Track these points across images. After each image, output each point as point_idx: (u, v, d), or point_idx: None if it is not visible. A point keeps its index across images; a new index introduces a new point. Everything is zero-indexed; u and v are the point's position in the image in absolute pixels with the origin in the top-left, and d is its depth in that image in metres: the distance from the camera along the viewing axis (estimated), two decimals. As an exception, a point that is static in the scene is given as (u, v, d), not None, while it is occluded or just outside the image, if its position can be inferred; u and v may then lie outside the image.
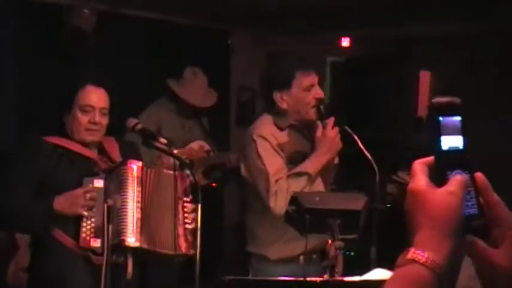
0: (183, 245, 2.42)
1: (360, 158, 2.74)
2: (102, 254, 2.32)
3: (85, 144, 2.52)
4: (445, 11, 5.37)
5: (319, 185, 2.54)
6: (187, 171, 2.51)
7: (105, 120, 2.54)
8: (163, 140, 2.44)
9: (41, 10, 4.65)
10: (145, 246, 2.36)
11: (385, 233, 2.67)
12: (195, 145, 4.38)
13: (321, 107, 2.60)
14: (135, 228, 2.34)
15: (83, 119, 2.48)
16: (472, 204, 0.88)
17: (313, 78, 2.63)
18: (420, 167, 0.92)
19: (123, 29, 5.19)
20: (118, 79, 5.07)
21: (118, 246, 2.33)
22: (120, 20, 5.16)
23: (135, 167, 2.44)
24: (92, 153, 2.53)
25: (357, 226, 1.87)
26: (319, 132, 2.55)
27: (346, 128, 2.68)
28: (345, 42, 7.37)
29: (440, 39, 6.79)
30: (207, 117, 4.62)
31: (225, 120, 6.40)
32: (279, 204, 2.49)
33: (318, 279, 1.79)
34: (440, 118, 0.91)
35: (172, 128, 4.23)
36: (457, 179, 0.88)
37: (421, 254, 0.86)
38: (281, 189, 2.46)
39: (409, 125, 7.69)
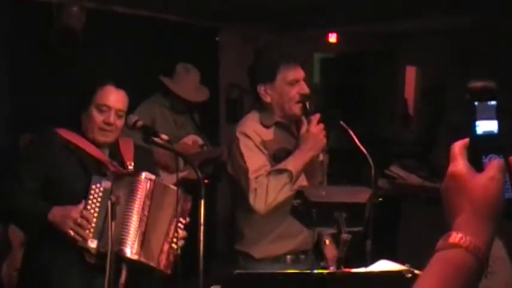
0: (162, 262, 2.42)
1: (353, 153, 2.76)
2: (96, 255, 2.31)
3: (97, 145, 2.49)
4: (432, 5, 5.41)
5: (302, 183, 2.51)
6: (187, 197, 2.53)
7: (120, 123, 2.51)
8: (164, 137, 2.44)
9: (31, 8, 4.63)
10: (142, 259, 2.36)
11: (376, 226, 2.70)
12: (188, 140, 4.39)
13: (307, 103, 2.55)
14: (137, 241, 2.33)
15: (98, 118, 2.46)
16: (508, 188, 0.89)
17: (298, 73, 2.58)
18: (459, 150, 0.93)
19: (113, 27, 5.18)
20: (107, 76, 5.08)
21: (116, 255, 2.31)
22: (109, 18, 5.14)
23: (149, 181, 2.42)
24: (101, 155, 2.49)
25: (362, 219, 1.89)
26: (303, 129, 2.52)
27: (342, 123, 2.67)
28: (332, 38, 7.41)
29: (429, 34, 6.84)
30: (198, 114, 4.62)
31: (214, 118, 6.41)
32: (258, 201, 2.48)
33: (325, 271, 1.81)
34: (476, 103, 0.92)
35: (165, 123, 4.24)
36: (495, 164, 0.89)
37: (464, 238, 0.87)
38: (260, 186, 2.45)
39: (398, 120, 7.76)
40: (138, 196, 2.37)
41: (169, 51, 5.22)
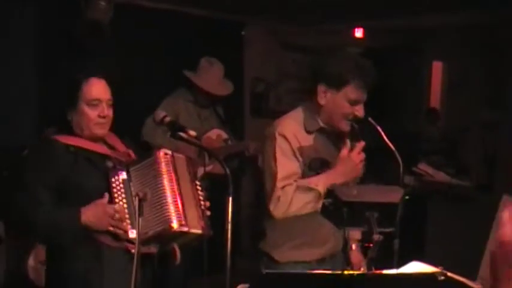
0: (204, 227, 2.41)
1: (378, 150, 2.71)
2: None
3: (94, 140, 2.46)
4: (456, 1, 5.34)
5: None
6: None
7: (111, 112, 2.47)
8: (192, 133, 2.42)
9: (59, 3, 4.65)
10: (191, 230, 2.34)
11: (403, 225, 2.66)
12: (212, 134, 4.38)
13: (357, 126, 2.50)
14: (181, 213, 2.32)
15: (92, 113, 2.40)
16: None
17: (361, 96, 2.50)
18: (509, 216, 0.90)
19: (139, 21, 5.19)
20: (134, 70, 5.10)
21: (163, 233, 2.30)
22: (136, 12, 5.15)
23: (168, 156, 2.42)
24: (105, 149, 2.48)
25: (394, 219, 1.85)
26: (344, 152, 2.45)
27: (370, 119, 2.62)
28: (358, 33, 7.35)
29: (454, 29, 6.75)
30: (222, 107, 4.59)
31: (239, 112, 6.39)
32: (278, 210, 2.46)
33: (356, 272, 1.77)
34: None
35: (189, 118, 4.23)
36: None
37: None
38: (285, 196, 2.42)
39: (424, 116, 7.67)
40: (164, 173, 2.36)
41: (195, 46, 5.21)
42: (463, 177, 5.01)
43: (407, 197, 2.96)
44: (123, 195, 2.35)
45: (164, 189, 2.34)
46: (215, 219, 2.65)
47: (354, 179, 2.46)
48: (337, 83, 2.47)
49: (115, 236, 2.33)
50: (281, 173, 2.46)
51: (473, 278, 2.01)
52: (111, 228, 2.30)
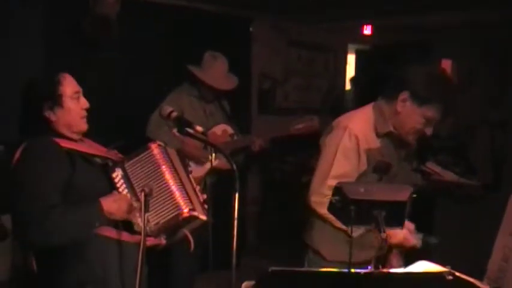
0: (205, 213, 2.43)
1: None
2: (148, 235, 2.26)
3: (76, 140, 2.40)
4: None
5: (357, 233, 2.30)
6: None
7: None
8: (199, 128, 2.42)
9: (67, -2, 4.65)
10: (198, 214, 2.34)
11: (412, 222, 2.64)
12: (218, 130, 4.35)
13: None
14: (189, 200, 2.33)
15: (77, 107, 2.36)
16: None
17: (437, 116, 2.48)
18: None
19: (146, 16, 5.18)
20: (141, 66, 5.10)
21: (175, 221, 2.30)
22: (143, 7, 5.14)
23: (160, 147, 2.42)
24: (92, 149, 2.44)
25: (402, 217, 1.83)
26: (403, 234, 2.45)
27: None
28: (367, 30, 7.32)
29: (464, 27, 6.72)
30: (227, 101, 4.57)
31: (246, 108, 6.38)
32: (319, 207, 2.45)
33: (362, 271, 1.76)
34: None
35: (194, 113, 4.20)
36: None
37: None
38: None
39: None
40: (163, 163, 2.37)
41: (202, 41, 5.19)
42: (471, 176, 4.97)
43: (415, 196, 2.93)
44: (126, 190, 2.35)
45: (167, 178, 2.34)
46: (221, 215, 2.64)
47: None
48: (422, 99, 2.44)
49: (130, 230, 2.32)
50: (335, 170, 2.43)
51: (481, 278, 2.00)
52: (130, 217, 2.30)
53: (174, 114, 2.49)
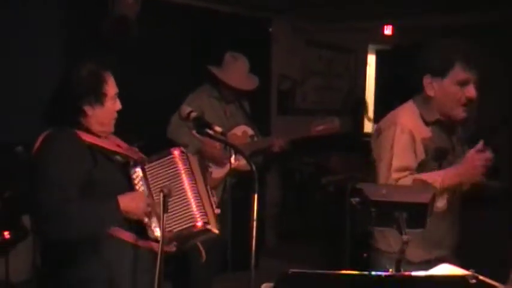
0: (218, 227, 2.41)
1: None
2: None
3: (103, 136, 2.42)
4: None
5: (441, 203, 2.34)
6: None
7: None
8: (218, 129, 2.40)
9: (87, -1, 4.68)
10: (212, 228, 2.34)
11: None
12: (238, 131, 4.34)
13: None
14: (205, 212, 2.32)
15: (113, 108, 2.38)
16: None
17: (468, 74, 2.40)
18: None
19: (166, 17, 5.19)
20: (160, 67, 5.11)
21: (187, 231, 2.30)
22: (163, 8, 5.15)
23: (184, 155, 2.40)
24: (115, 147, 2.44)
25: (424, 219, 1.80)
26: (472, 152, 2.33)
27: None
28: (388, 30, 7.27)
29: (485, 27, 6.64)
30: (247, 102, 4.55)
31: (266, 109, 6.36)
32: None
33: (383, 273, 1.73)
34: None
35: (214, 114, 4.19)
36: None
37: None
38: None
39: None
40: (183, 171, 2.35)
41: (221, 42, 5.19)
42: (492, 178, 4.89)
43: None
44: (143, 191, 2.35)
45: (185, 187, 2.33)
46: (240, 216, 2.63)
47: (470, 181, 2.37)
48: (441, 69, 2.39)
49: (140, 235, 2.31)
50: (396, 164, 2.39)
51: (504, 282, 1.96)
52: (145, 219, 2.29)
53: (193, 114, 2.48)
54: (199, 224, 2.29)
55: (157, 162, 2.39)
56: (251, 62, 4.42)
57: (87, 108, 2.31)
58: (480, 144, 2.32)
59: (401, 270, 1.76)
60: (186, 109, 2.51)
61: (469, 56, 2.40)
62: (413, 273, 1.73)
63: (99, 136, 2.38)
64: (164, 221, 2.14)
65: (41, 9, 4.49)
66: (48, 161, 2.21)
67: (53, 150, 2.23)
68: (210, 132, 2.41)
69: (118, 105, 2.41)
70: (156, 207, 2.26)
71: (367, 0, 5.61)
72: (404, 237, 1.74)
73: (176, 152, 2.39)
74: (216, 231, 2.38)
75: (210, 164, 4.17)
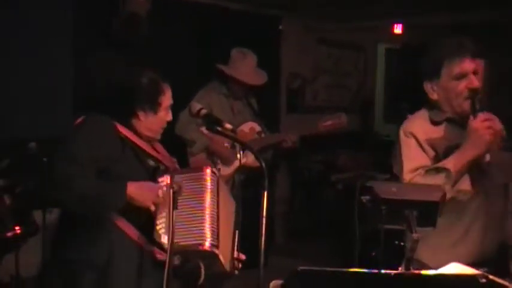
0: (232, 264, 2.40)
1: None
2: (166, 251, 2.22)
3: (147, 141, 2.48)
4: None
5: (464, 184, 2.26)
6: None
7: None
8: (228, 126, 2.40)
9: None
10: (219, 254, 2.30)
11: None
12: (245, 127, 4.34)
13: (475, 99, 2.30)
14: (217, 235, 2.29)
15: (164, 118, 2.48)
16: None
17: (465, 66, 2.34)
18: None
19: (176, 14, 5.19)
20: (171, 63, 5.11)
21: (192, 249, 2.27)
22: (174, 6, 5.15)
23: (215, 177, 2.39)
24: (152, 150, 2.49)
25: (434, 218, 1.79)
26: (471, 123, 2.27)
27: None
28: (397, 29, 7.25)
29: (495, 26, 6.61)
30: (255, 98, 4.55)
31: (275, 107, 6.36)
32: None
33: (393, 271, 1.73)
34: None
35: (222, 110, 4.20)
36: None
37: None
38: None
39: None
40: (209, 190, 2.34)
41: (231, 40, 5.20)
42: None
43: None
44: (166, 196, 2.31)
45: (206, 205, 2.31)
46: (249, 213, 2.63)
47: (488, 150, 2.27)
48: (433, 71, 2.40)
49: (147, 237, 2.32)
50: (407, 166, 2.37)
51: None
52: (152, 207, 2.28)
53: (204, 111, 2.48)
54: (206, 243, 2.26)
55: (187, 175, 2.39)
56: (261, 60, 4.43)
57: (141, 114, 2.43)
58: (472, 117, 2.27)
59: (411, 269, 1.76)
60: (196, 106, 2.52)
61: (456, 47, 2.38)
62: (423, 272, 1.73)
63: (141, 138, 2.45)
64: (173, 219, 2.14)
65: (52, 8, 4.50)
66: (76, 136, 2.32)
67: (84, 129, 2.35)
68: (220, 129, 2.41)
69: (169, 116, 2.51)
70: (166, 204, 2.26)
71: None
72: (415, 236, 1.74)
73: (208, 170, 2.40)
74: (223, 261, 2.33)
75: (218, 161, 4.18)
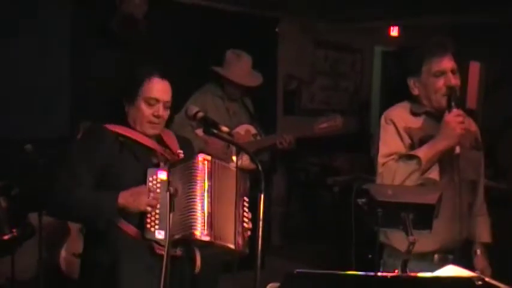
0: (239, 243, 2.36)
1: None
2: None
3: (146, 135, 2.48)
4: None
5: (433, 174, 2.40)
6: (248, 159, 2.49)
7: (167, 114, 2.50)
8: (225, 129, 2.39)
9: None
10: (216, 241, 2.29)
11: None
12: (241, 129, 4.33)
13: (452, 96, 2.45)
14: (206, 222, 2.27)
15: (147, 111, 2.43)
16: None
17: (443, 64, 2.49)
18: None
19: (173, 16, 5.20)
20: (167, 65, 5.10)
21: (187, 239, 2.27)
22: (170, 7, 5.16)
23: (206, 162, 2.35)
24: (154, 144, 2.48)
25: (430, 220, 1.80)
26: (448, 115, 2.41)
27: None
28: (394, 31, 7.27)
29: (492, 29, 6.63)
30: (250, 100, 4.54)
31: (272, 109, 6.36)
32: (379, 180, 2.44)
33: (389, 274, 1.73)
34: None
35: (217, 113, 4.18)
36: None
37: None
38: (387, 171, 2.40)
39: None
40: (198, 178, 2.31)
41: (228, 41, 5.20)
42: (500, 179, 4.88)
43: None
44: (157, 196, 2.32)
45: (195, 194, 2.29)
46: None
47: (458, 143, 2.41)
48: (415, 68, 2.53)
49: (143, 235, 2.32)
50: (383, 150, 2.50)
51: (511, 284, 1.95)
52: (148, 208, 2.29)
53: (200, 114, 2.47)
54: (197, 232, 2.25)
55: (180, 166, 2.37)
56: (258, 62, 4.42)
57: (126, 106, 2.47)
58: (455, 110, 2.42)
59: (407, 271, 1.76)
60: (193, 109, 2.50)
61: (436, 46, 2.52)
62: (419, 275, 1.73)
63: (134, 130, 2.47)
64: (170, 221, 2.14)
65: (49, 8, 4.50)
66: (71, 150, 2.46)
67: (79, 142, 2.55)
68: (217, 132, 2.40)
69: (154, 111, 2.44)
70: (163, 206, 2.27)
71: (374, 1, 5.60)
72: (411, 238, 1.74)
73: (200, 157, 2.35)
74: (224, 244, 2.32)
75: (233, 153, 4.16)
